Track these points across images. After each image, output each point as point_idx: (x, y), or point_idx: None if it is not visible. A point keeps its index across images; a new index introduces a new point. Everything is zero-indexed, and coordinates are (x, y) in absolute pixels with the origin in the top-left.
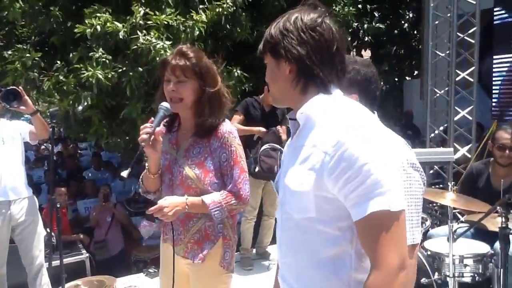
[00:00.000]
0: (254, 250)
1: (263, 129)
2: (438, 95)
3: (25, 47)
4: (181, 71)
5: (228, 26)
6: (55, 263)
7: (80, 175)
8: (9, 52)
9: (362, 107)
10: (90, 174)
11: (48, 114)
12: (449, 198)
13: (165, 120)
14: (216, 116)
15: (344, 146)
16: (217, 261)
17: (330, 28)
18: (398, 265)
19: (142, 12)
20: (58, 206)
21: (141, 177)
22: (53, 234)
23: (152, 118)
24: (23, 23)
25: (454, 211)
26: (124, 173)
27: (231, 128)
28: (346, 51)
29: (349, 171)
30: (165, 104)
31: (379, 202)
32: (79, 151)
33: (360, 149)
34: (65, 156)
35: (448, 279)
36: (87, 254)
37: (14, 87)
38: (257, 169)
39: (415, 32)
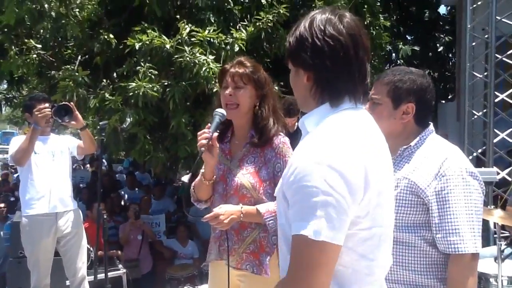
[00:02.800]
0: None
1: None
2: (475, 117)
3: (72, 67)
4: (240, 78)
5: (266, 43)
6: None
7: (115, 194)
8: (59, 73)
9: (358, 131)
10: (123, 193)
11: (98, 128)
12: (496, 216)
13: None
14: (275, 124)
15: (300, 166)
16: (277, 273)
17: (348, 30)
18: None
19: (188, 29)
20: (105, 217)
21: (192, 185)
22: (91, 249)
23: (209, 124)
24: (70, 44)
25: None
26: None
27: (285, 139)
28: (368, 50)
29: (294, 186)
30: (220, 110)
31: (305, 226)
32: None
33: (311, 172)
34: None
35: None
36: (124, 270)
37: (65, 102)
38: None
39: (449, 55)
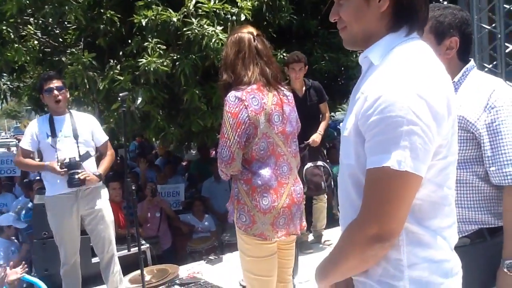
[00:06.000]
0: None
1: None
2: (486, 69)
3: (78, 51)
4: None
5: (268, 14)
6: (123, 253)
7: (131, 174)
8: (66, 57)
9: (431, 59)
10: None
11: (119, 99)
12: None
13: None
14: (221, 86)
15: (383, 97)
16: (235, 220)
17: None
18: (372, 235)
19: (194, 1)
20: (133, 188)
21: None
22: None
23: None
24: (71, 27)
25: None
26: None
27: (227, 96)
28: None
29: (374, 118)
30: None
31: (388, 157)
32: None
33: (396, 102)
34: None
35: None
36: (148, 245)
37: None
38: (305, 189)
39: None
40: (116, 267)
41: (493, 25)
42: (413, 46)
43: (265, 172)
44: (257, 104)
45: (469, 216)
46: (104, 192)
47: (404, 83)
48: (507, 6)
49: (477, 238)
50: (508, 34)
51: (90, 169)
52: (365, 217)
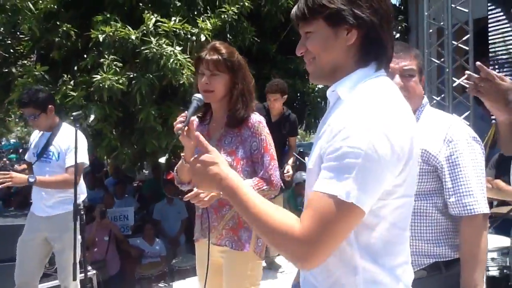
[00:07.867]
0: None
1: None
2: (434, 101)
3: (29, 63)
4: (214, 65)
5: (230, 36)
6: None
7: None
8: (17, 69)
9: (398, 98)
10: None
11: (72, 118)
12: None
13: (198, 114)
14: (247, 108)
15: (348, 128)
16: (252, 247)
17: None
18: (298, 255)
19: (154, 19)
20: (82, 213)
21: (175, 168)
22: None
23: (186, 112)
24: (25, 38)
25: None
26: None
27: (260, 118)
28: None
29: (336, 145)
30: (198, 95)
31: (338, 185)
32: None
33: (359, 134)
34: None
35: None
36: (94, 271)
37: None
38: None
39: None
40: None
41: (442, 59)
42: (381, 83)
43: None
44: None
45: (426, 249)
46: (69, 220)
47: (372, 119)
48: (455, 43)
49: (433, 270)
50: (455, 69)
51: (51, 195)
52: (302, 236)
